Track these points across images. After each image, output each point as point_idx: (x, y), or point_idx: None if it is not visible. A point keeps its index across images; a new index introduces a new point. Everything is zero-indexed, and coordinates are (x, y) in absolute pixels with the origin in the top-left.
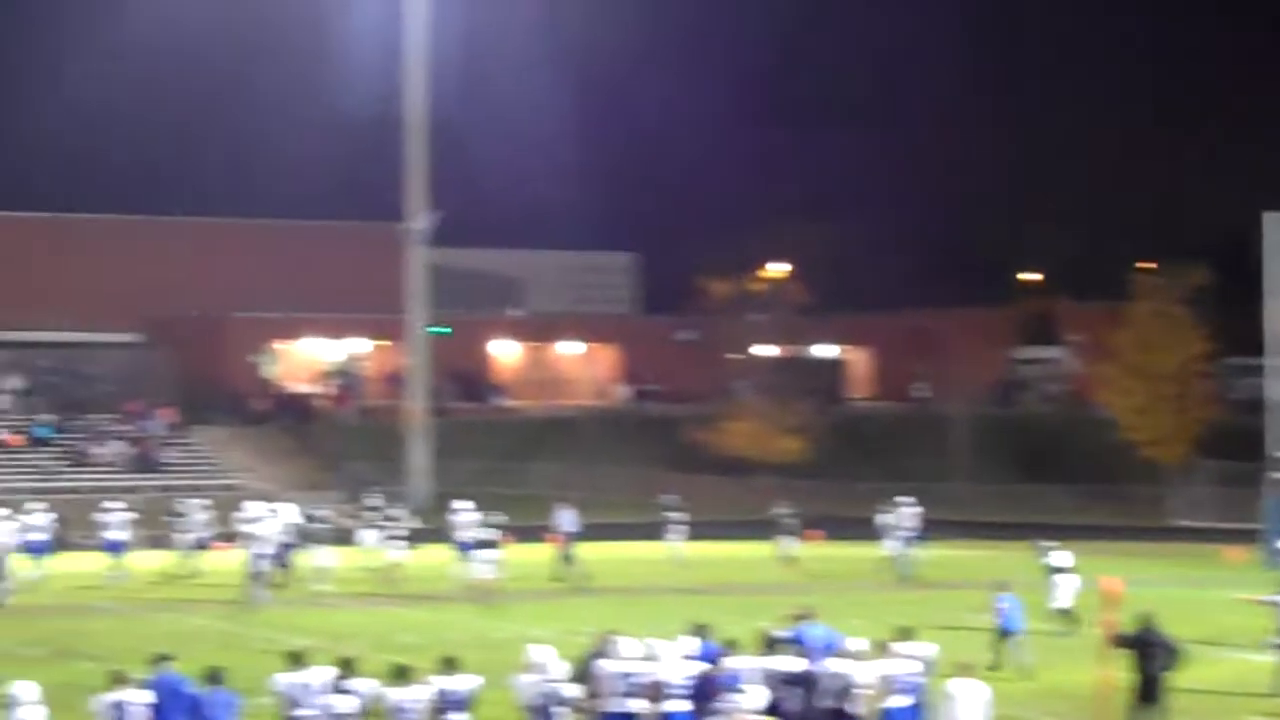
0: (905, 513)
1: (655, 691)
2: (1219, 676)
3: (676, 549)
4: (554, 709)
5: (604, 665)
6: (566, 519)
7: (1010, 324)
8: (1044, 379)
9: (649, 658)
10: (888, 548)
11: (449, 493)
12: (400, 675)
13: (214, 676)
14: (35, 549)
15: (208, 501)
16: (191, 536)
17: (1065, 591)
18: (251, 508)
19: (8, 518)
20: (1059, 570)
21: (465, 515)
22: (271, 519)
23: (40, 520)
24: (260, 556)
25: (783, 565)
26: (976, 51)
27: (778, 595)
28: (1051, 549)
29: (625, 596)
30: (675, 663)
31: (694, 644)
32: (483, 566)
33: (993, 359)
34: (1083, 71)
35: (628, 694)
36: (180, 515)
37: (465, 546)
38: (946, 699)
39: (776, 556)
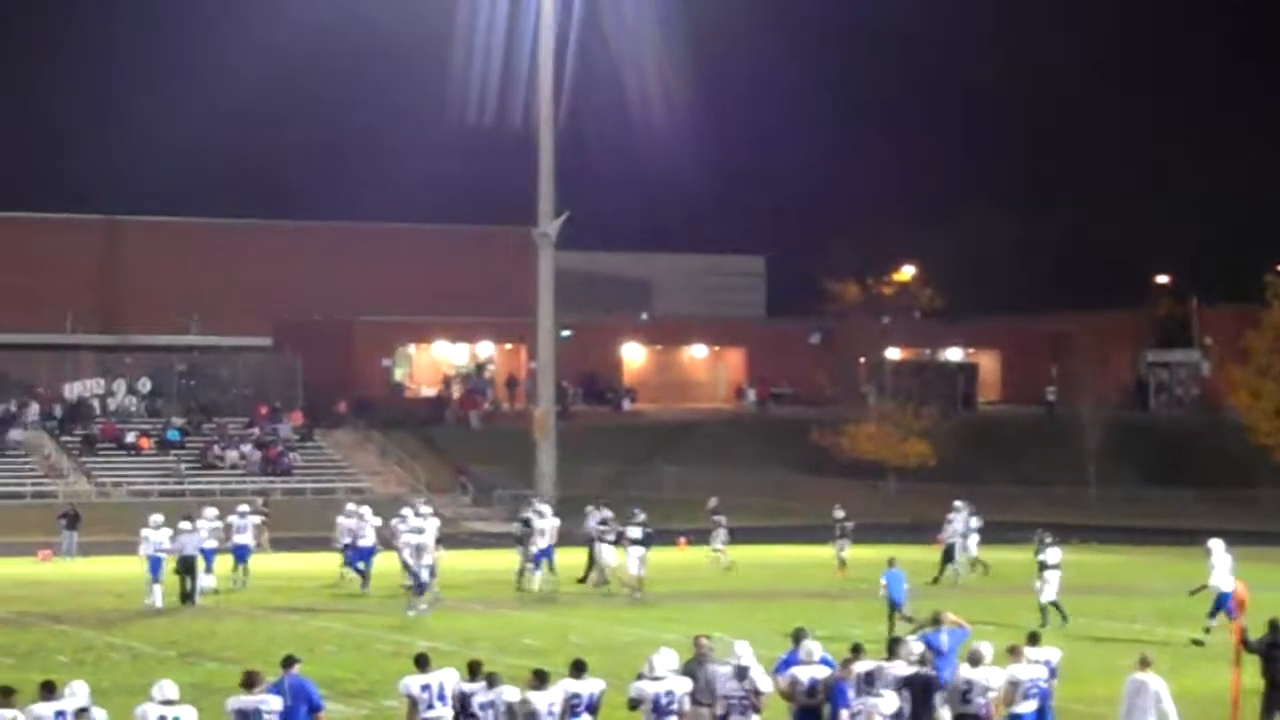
0: (963, 516)
1: (756, 698)
2: None
3: (720, 554)
4: (671, 712)
5: (711, 670)
6: (596, 520)
7: (1142, 327)
8: (1176, 382)
9: (743, 664)
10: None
11: (575, 496)
12: (540, 679)
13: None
14: (208, 554)
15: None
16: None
17: (1051, 586)
18: (410, 515)
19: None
20: (1050, 566)
21: (542, 521)
22: (430, 526)
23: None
24: (425, 565)
25: (836, 569)
26: (1107, 51)
27: (911, 600)
28: (1049, 544)
29: (755, 600)
30: (760, 669)
31: (813, 649)
32: (633, 562)
33: (1124, 362)
34: (1215, 70)
35: (727, 697)
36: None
37: (539, 555)
38: (1127, 692)
39: (835, 559)
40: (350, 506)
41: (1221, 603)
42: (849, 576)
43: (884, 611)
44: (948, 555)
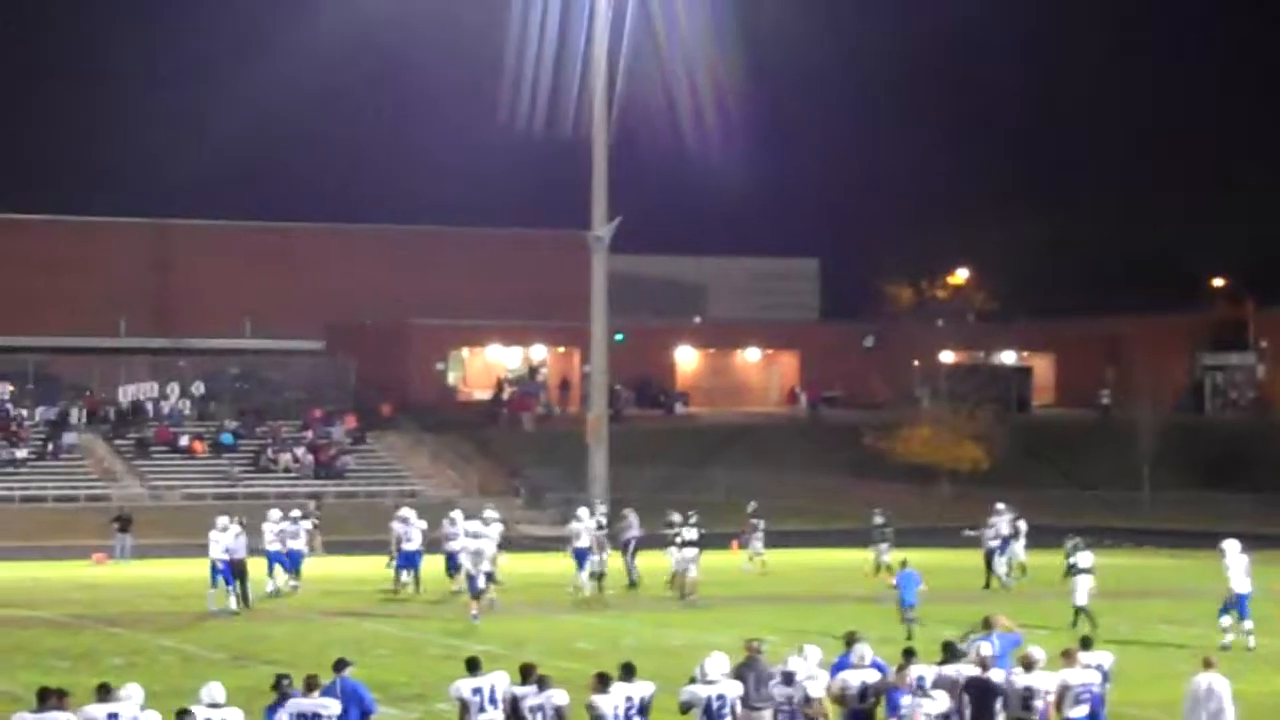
0: (1006, 519)
1: (807, 706)
2: None
3: (758, 556)
4: (723, 717)
5: (765, 673)
6: (631, 524)
7: (1197, 329)
8: (1231, 385)
9: (788, 669)
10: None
11: (628, 500)
12: (603, 683)
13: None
14: (275, 555)
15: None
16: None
17: (1082, 590)
18: (459, 518)
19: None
20: (1081, 570)
21: (579, 524)
22: (491, 531)
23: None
24: (483, 571)
25: (875, 574)
26: (1165, 49)
27: (959, 603)
28: (1079, 548)
29: (807, 604)
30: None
31: (865, 653)
32: (686, 565)
33: (1179, 365)
34: (1265, 72)
35: (776, 703)
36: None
37: (580, 554)
38: (1192, 693)
39: (873, 565)
40: (403, 511)
41: (1237, 603)
42: (890, 582)
43: (934, 615)
44: (989, 560)
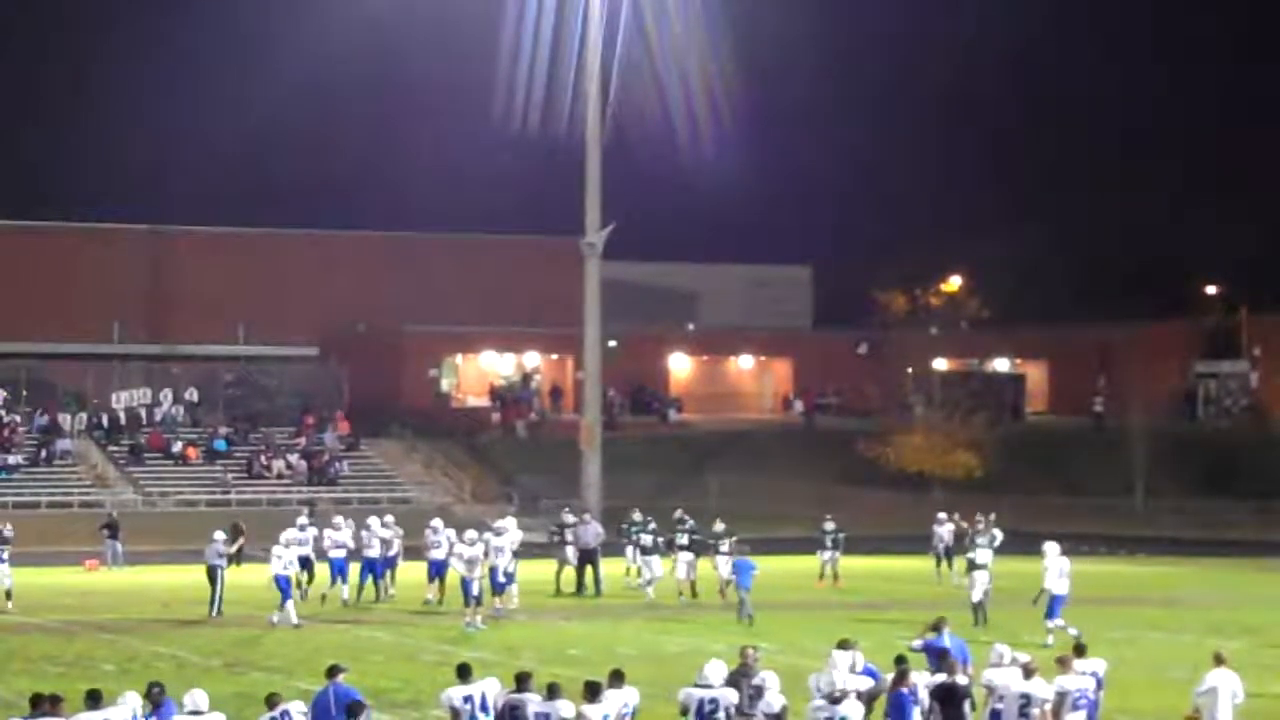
0: (948, 529)
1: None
2: None
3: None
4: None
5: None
6: (590, 533)
7: (1190, 337)
8: (1225, 393)
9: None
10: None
11: (621, 506)
12: (593, 692)
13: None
14: (340, 563)
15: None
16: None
17: (979, 586)
18: (440, 526)
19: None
20: (977, 566)
21: (507, 536)
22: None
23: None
24: (475, 579)
25: (820, 579)
26: (1157, 61)
27: (951, 610)
28: (980, 546)
29: (802, 610)
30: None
31: (856, 659)
32: (681, 567)
33: (1172, 373)
34: (1261, 78)
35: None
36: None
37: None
38: (1205, 690)
39: (823, 572)
40: (370, 519)
41: (1055, 606)
42: (841, 588)
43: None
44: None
